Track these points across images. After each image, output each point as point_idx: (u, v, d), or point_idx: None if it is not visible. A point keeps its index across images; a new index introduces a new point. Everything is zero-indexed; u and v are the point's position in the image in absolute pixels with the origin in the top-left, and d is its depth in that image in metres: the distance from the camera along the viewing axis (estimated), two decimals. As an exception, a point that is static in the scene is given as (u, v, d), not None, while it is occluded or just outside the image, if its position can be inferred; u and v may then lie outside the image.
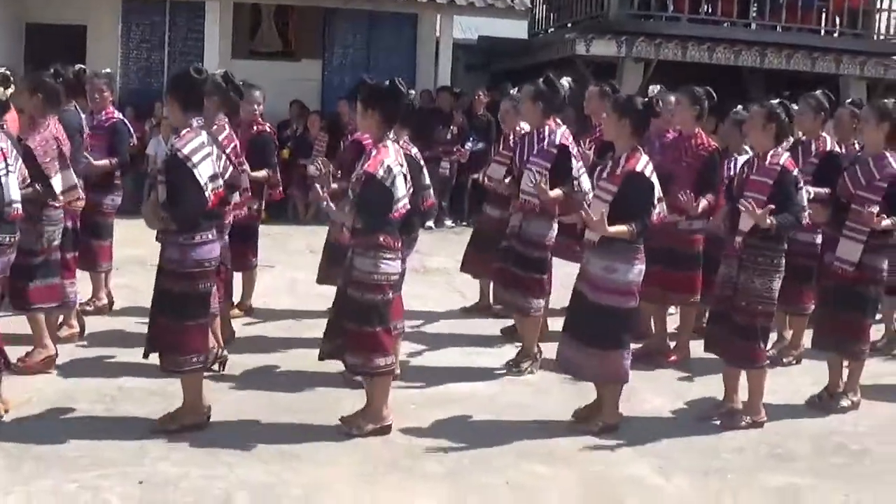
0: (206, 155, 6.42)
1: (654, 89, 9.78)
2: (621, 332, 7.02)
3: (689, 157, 8.64)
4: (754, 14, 18.92)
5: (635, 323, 7.17)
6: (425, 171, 7.91)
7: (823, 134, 8.94)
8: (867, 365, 8.03)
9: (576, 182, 8.33)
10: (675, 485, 6.37)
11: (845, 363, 7.90)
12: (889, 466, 6.90)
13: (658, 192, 7.01)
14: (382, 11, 18.48)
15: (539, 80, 8.54)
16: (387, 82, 6.75)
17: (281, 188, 10.28)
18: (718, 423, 7.40)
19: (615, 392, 7.14)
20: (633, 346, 8.92)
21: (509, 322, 9.37)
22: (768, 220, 6.94)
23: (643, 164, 6.90)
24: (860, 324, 7.72)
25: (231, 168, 6.79)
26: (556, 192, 8.05)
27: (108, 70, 10.39)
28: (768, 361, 7.63)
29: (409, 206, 6.72)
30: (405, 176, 6.68)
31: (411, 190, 6.88)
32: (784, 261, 7.30)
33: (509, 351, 8.90)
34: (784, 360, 9.06)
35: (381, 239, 6.52)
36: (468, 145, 16.21)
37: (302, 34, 19.34)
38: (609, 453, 6.77)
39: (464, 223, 16.01)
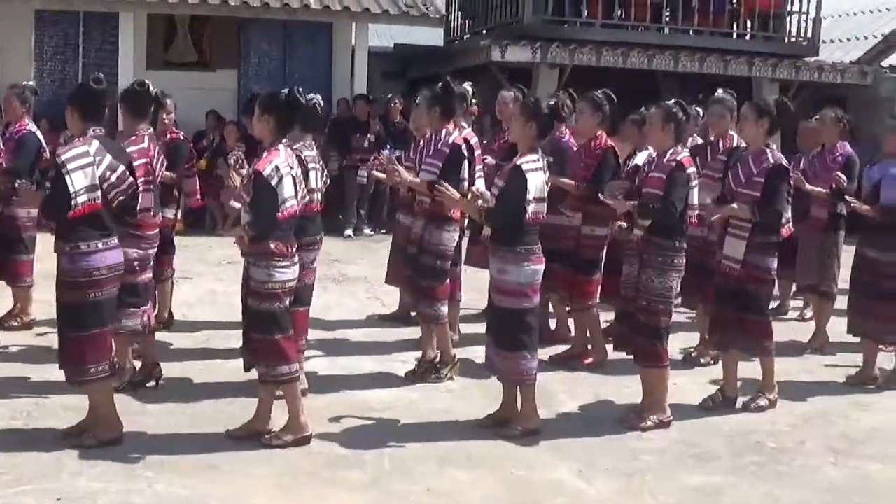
0: (87, 164, 6.33)
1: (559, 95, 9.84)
2: (519, 333, 7.05)
3: (587, 158, 8.80)
4: (667, 18, 19.07)
5: (534, 324, 7.17)
6: (313, 175, 7.82)
7: (731, 132, 9.11)
8: (782, 363, 8.13)
9: (464, 183, 8.31)
10: (596, 488, 6.40)
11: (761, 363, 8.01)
12: (806, 463, 6.99)
13: (537, 191, 7.01)
14: (297, 21, 18.37)
15: (437, 86, 8.59)
16: (285, 90, 6.77)
17: (199, 197, 10.22)
18: (625, 425, 7.46)
19: (529, 395, 7.17)
20: (556, 349, 9.07)
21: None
22: (628, 204, 7.29)
23: (526, 160, 6.97)
24: (757, 322, 7.81)
25: (128, 181, 6.62)
26: (453, 193, 7.93)
27: (30, 83, 10.25)
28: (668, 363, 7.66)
29: (297, 208, 6.71)
30: (295, 178, 6.69)
31: (306, 197, 6.96)
32: (683, 260, 7.43)
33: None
34: (702, 360, 9.15)
35: (273, 246, 6.51)
36: (385, 153, 16.18)
37: (217, 44, 19.18)
38: (530, 457, 6.79)
39: (382, 231, 15.97)
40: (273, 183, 6.49)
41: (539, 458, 6.79)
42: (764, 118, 7.74)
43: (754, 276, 7.70)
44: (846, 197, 9.22)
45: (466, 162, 8.37)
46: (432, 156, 8.39)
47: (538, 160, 7.08)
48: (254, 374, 6.89)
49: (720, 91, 9.40)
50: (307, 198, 7.05)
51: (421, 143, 9.19)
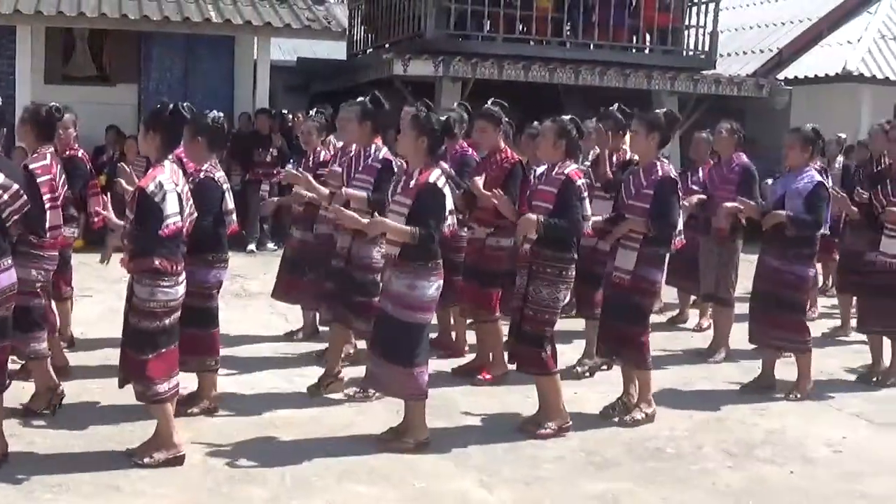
0: None
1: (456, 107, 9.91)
2: (415, 347, 7.04)
3: (494, 171, 8.80)
4: (568, 33, 19.24)
5: (428, 338, 7.21)
6: (229, 195, 7.84)
7: (623, 147, 9.28)
8: (683, 370, 8.24)
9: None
10: (497, 497, 6.44)
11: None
12: (704, 467, 7.12)
13: (451, 204, 7.10)
14: (199, 35, 18.25)
15: (366, 100, 8.59)
16: (170, 105, 6.72)
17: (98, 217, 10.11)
18: (524, 433, 7.53)
19: (420, 408, 7.18)
20: (458, 361, 9.10)
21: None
22: (532, 217, 7.26)
23: (436, 176, 6.98)
24: (635, 334, 7.91)
25: (22, 200, 6.51)
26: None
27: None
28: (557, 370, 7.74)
29: (181, 225, 6.63)
30: (179, 195, 6.61)
31: (194, 214, 6.87)
32: (573, 272, 7.52)
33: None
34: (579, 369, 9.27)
35: (157, 263, 6.42)
36: (287, 167, 16.14)
37: (117, 58, 19.03)
38: (432, 469, 6.81)
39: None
40: (157, 199, 6.41)
41: (441, 470, 6.81)
42: (654, 131, 7.85)
43: (641, 288, 7.81)
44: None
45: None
46: (363, 171, 8.39)
47: (441, 174, 7.11)
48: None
49: (613, 107, 9.56)
50: (195, 214, 6.93)
51: (313, 157, 9.27)
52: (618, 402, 8.13)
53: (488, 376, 8.93)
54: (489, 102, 9.04)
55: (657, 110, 8.14)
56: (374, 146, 8.51)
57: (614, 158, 9.30)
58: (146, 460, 6.59)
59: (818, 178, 8.80)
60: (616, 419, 7.97)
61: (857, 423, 8.29)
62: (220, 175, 7.70)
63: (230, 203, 7.79)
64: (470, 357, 9.45)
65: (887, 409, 8.37)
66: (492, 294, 8.89)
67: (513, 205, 8.39)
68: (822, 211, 8.70)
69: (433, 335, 9.55)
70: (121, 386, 6.83)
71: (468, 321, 9.53)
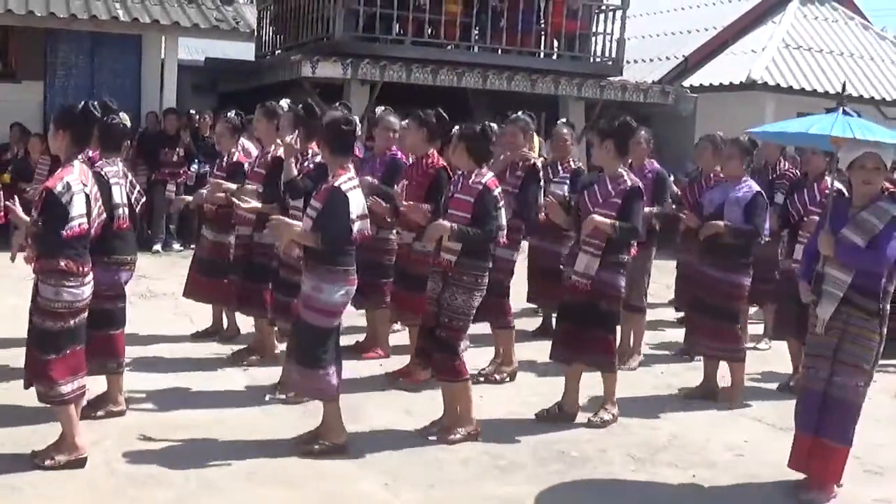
0: None
1: (379, 110, 9.90)
2: (322, 350, 7.03)
3: (418, 177, 8.80)
4: (476, 37, 19.33)
5: (337, 342, 7.20)
6: (117, 190, 7.71)
7: (527, 152, 9.37)
8: (590, 377, 8.32)
9: None
10: (403, 500, 6.47)
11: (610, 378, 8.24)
12: (607, 471, 7.22)
13: (360, 209, 7.08)
14: (106, 33, 18.01)
15: (299, 106, 8.61)
16: (80, 104, 6.66)
17: (2, 213, 9.98)
18: (434, 438, 7.57)
19: (334, 411, 7.19)
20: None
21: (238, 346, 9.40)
22: (446, 224, 7.28)
23: (343, 180, 6.97)
24: (603, 338, 8.01)
25: None
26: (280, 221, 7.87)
27: None
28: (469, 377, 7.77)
29: (87, 227, 6.55)
30: (88, 196, 6.54)
31: (103, 215, 6.80)
32: (487, 280, 7.56)
33: (237, 374, 8.92)
34: (498, 376, 9.30)
35: (63, 264, 6.37)
36: (194, 167, 16.07)
37: (23, 55, 18.70)
38: (338, 472, 6.82)
39: (192, 246, 15.75)
40: (63, 200, 6.34)
41: (346, 473, 6.82)
42: (607, 140, 7.92)
43: (607, 294, 7.91)
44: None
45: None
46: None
47: (353, 178, 7.11)
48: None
49: (520, 112, 9.65)
50: (104, 215, 6.89)
51: (227, 159, 9.26)
52: (555, 407, 8.22)
53: (419, 378, 8.84)
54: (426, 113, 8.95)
55: (615, 120, 8.16)
56: (310, 151, 8.55)
57: (520, 164, 9.34)
58: (47, 462, 6.52)
59: (756, 187, 8.96)
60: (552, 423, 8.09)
61: (757, 427, 8.47)
62: (109, 169, 7.55)
63: (118, 197, 7.63)
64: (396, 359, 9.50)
65: (787, 413, 8.51)
66: (419, 297, 8.83)
67: (430, 213, 8.40)
68: (761, 220, 8.85)
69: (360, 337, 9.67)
70: (26, 387, 6.73)
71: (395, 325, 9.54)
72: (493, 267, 7.78)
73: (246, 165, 9.52)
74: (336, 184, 6.94)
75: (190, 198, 10.17)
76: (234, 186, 9.05)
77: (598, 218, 7.72)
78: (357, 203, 7.04)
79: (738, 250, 8.84)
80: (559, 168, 10.55)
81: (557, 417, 8.13)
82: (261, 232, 8.87)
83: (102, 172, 7.40)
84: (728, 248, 8.80)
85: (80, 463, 6.57)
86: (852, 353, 6.64)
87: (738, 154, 8.97)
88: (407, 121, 9.09)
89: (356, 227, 7.01)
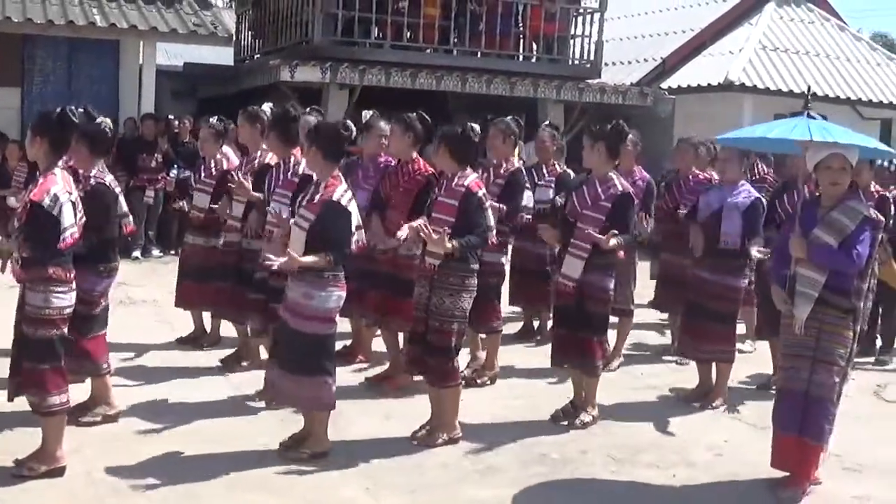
0: None
1: (366, 114, 9.84)
2: (322, 358, 7.00)
3: (405, 183, 8.74)
4: (455, 41, 19.35)
5: (333, 349, 7.19)
6: (122, 198, 7.78)
7: (512, 157, 9.33)
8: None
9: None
10: (384, 504, 6.48)
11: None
12: (588, 472, 7.24)
13: (357, 219, 7.09)
14: (83, 38, 18.00)
15: (279, 112, 8.59)
16: (57, 110, 6.58)
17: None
18: (415, 443, 7.56)
19: (322, 419, 7.16)
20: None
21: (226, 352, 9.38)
22: (448, 245, 7.13)
23: (340, 192, 6.91)
24: (594, 342, 8.01)
25: None
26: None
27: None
28: (462, 381, 7.82)
29: (77, 236, 6.53)
30: (74, 204, 6.51)
31: (83, 220, 6.71)
32: (476, 281, 7.53)
33: (222, 382, 8.90)
34: (479, 380, 9.28)
35: (51, 272, 6.32)
36: (173, 173, 16.03)
37: (-1, 61, 18.71)
38: (319, 478, 6.80)
39: (171, 252, 15.75)
40: (54, 213, 6.29)
41: (328, 478, 6.81)
42: (599, 143, 7.92)
43: (596, 297, 7.92)
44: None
45: None
46: (283, 186, 8.32)
47: (346, 188, 7.04)
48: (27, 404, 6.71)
49: (509, 118, 9.63)
50: (83, 219, 6.74)
51: (214, 165, 9.22)
52: (568, 405, 8.32)
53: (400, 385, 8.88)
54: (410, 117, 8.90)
55: (607, 123, 8.15)
56: (293, 158, 8.45)
57: (503, 168, 9.28)
58: (25, 472, 6.47)
59: (755, 192, 8.99)
60: (565, 422, 8.15)
61: (737, 427, 8.51)
62: (110, 179, 7.58)
63: (124, 206, 7.68)
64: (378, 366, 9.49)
65: (767, 413, 8.54)
66: (405, 303, 8.77)
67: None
68: (760, 224, 8.87)
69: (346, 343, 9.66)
70: (10, 399, 6.69)
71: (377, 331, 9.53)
72: (483, 271, 7.78)
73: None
74: (334, 198, 6.87)
75: (185, 204, 10.06)
76: (259, 196, 8.82)
77: (597, 236, 7.72)
78: (355, 215, 7.03)
79: (732, 253, 8.83)
80: (544, 171, 10.55)
81: (571, 415, 8.19)
82: (249, 240, 8.84)
83: (107, 182, 7.40)
84: (721, 251, 8.82)
85: (58, 472, 6.53)
86: (829, 351, 6.70)
87: (735, 157, 8.94)
88: (391, 125, 9.01)
89: (354, 238, 7.02)
